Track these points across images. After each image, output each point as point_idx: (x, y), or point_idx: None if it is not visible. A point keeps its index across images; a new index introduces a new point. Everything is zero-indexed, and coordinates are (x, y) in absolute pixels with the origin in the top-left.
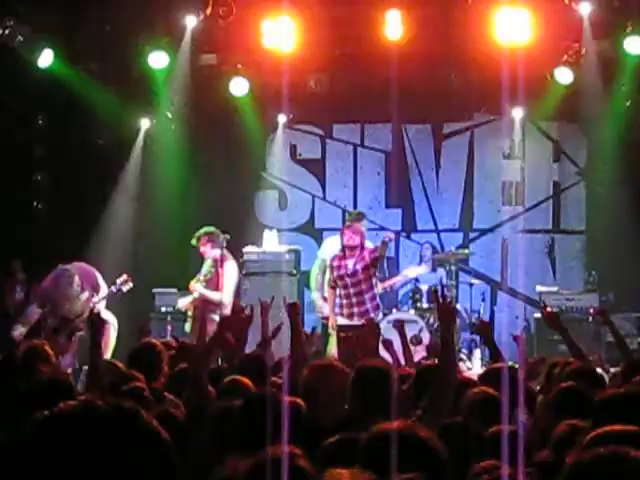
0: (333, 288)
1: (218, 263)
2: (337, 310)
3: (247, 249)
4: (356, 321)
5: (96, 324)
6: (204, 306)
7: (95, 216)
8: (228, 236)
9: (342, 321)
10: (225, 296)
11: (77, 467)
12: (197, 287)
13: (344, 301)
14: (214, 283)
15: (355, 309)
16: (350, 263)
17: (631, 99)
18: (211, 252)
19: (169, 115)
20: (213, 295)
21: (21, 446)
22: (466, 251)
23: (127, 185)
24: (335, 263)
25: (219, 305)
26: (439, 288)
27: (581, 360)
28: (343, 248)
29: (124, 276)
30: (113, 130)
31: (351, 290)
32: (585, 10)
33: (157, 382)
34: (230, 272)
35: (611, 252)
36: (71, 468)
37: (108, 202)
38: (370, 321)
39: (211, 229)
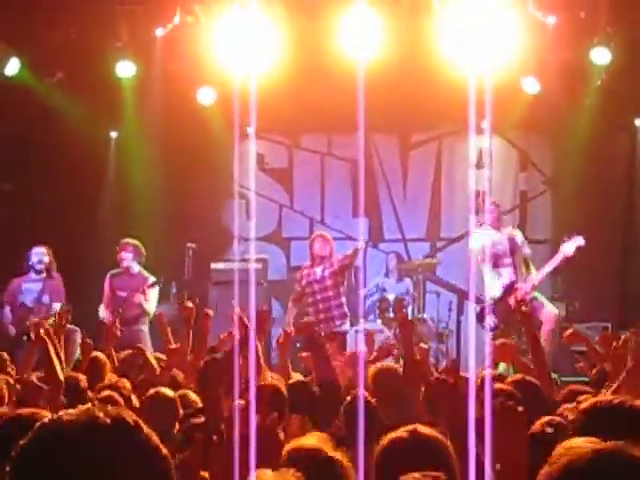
0: (295, 301)
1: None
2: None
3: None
4: (322, 328)
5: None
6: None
7: (62, 226)
8: (194, 245)
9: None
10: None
11: (75, 477)
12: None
13: (310, 309)
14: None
15: (322, 315)
16: (318, 270)
17: (596, 109)
18: (131, 263)
19: (137, 124)
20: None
21: (21, 452)
22: (434, 260)
23: (97, 195)
24: (305, 272)
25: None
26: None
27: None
28: (313, 257)
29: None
30: (81, 139)
31: (318, 297)
32: (551, 21)
33: None
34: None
35: (577, 261)
36: (69, 477)
37: (75, 212)
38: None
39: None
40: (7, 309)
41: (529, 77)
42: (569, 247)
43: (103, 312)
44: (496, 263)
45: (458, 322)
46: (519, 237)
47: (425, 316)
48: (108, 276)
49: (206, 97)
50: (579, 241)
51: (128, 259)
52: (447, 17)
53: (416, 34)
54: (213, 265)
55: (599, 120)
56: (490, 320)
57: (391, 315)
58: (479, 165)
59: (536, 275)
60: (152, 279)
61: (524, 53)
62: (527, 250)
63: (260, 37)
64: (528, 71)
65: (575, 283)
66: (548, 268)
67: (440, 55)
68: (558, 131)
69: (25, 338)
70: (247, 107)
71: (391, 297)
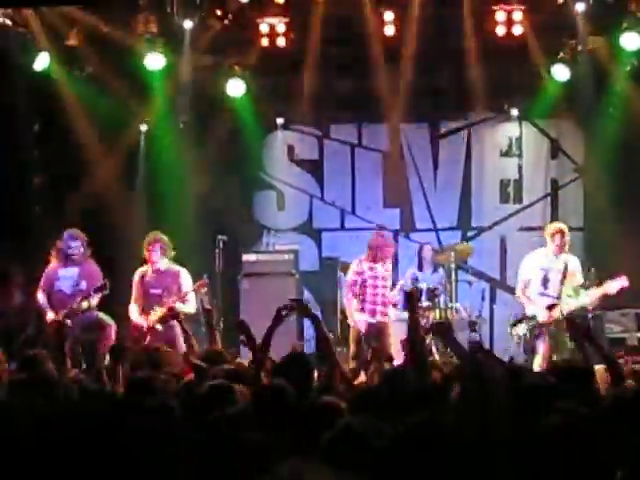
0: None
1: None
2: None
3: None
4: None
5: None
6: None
7: (93, 220)
8: (224, 237)
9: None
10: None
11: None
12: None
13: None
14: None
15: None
16: (379, 267)
17: (626, 95)
18: (159, 260)
19: (167, 117)
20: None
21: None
22: (469, 244)
23: (128, 188)
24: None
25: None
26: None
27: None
28: (375, 255)
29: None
30: (111, 132)
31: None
32: (580, 7)
33: None
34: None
35: (610, 248)
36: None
37: (106, 207)
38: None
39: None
40: (41, 295)
41: (559, 64)
42: (612, 287)
43: (135, 313)
44: (542, 289)
45: (491, 310)
46: (572, 263)
47: (457, 305)
48: (138, 275)
49: (236, 89)
50: (623, 282)
51: (157, 258)
52: (475, 5)
53: (445, 23)
54: (244, 257)
55: (629, 106)
56: (521, 329)
57: (424, 304)
58: (509, 153)
59: (571, 305)
60: (183, 271)
61: (554, 40)
62: (579, 277)
63: (289, 29)
64: (558, 58)
65: (607, 270)
66: (586, 301)
67: (469, 43)
68: (588, 117)
69: (68, 323)
70: (277, 98)
71: (424, 287)
